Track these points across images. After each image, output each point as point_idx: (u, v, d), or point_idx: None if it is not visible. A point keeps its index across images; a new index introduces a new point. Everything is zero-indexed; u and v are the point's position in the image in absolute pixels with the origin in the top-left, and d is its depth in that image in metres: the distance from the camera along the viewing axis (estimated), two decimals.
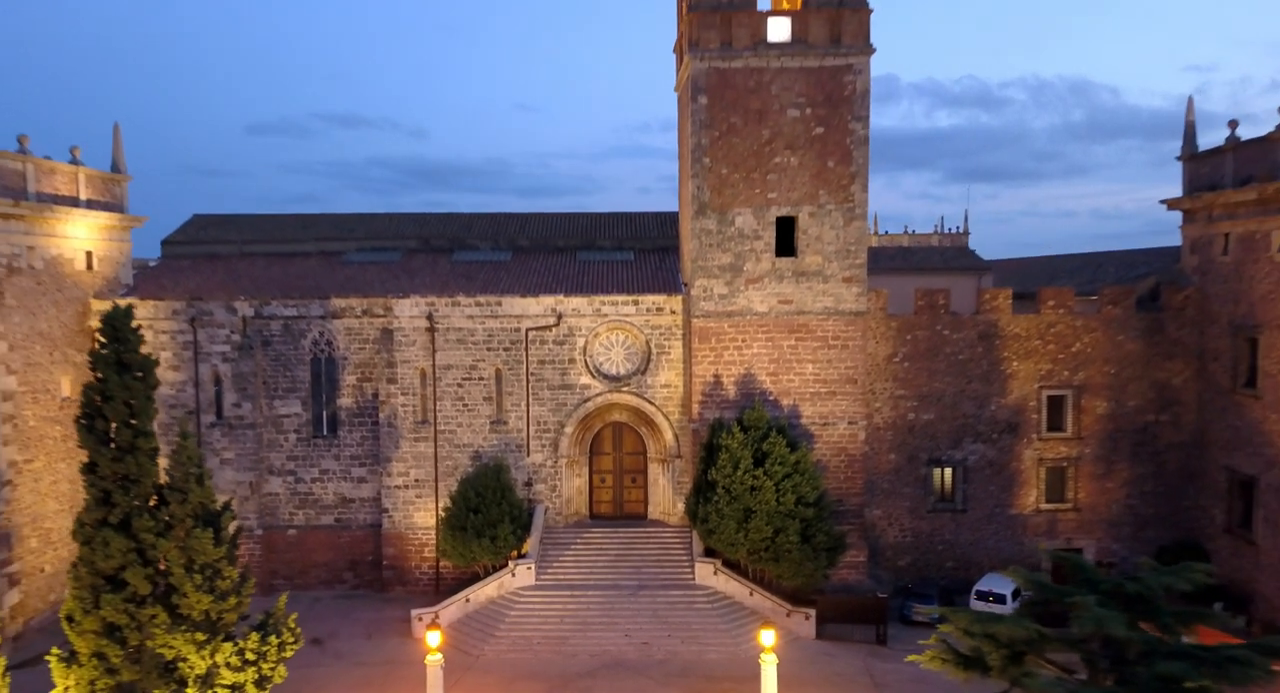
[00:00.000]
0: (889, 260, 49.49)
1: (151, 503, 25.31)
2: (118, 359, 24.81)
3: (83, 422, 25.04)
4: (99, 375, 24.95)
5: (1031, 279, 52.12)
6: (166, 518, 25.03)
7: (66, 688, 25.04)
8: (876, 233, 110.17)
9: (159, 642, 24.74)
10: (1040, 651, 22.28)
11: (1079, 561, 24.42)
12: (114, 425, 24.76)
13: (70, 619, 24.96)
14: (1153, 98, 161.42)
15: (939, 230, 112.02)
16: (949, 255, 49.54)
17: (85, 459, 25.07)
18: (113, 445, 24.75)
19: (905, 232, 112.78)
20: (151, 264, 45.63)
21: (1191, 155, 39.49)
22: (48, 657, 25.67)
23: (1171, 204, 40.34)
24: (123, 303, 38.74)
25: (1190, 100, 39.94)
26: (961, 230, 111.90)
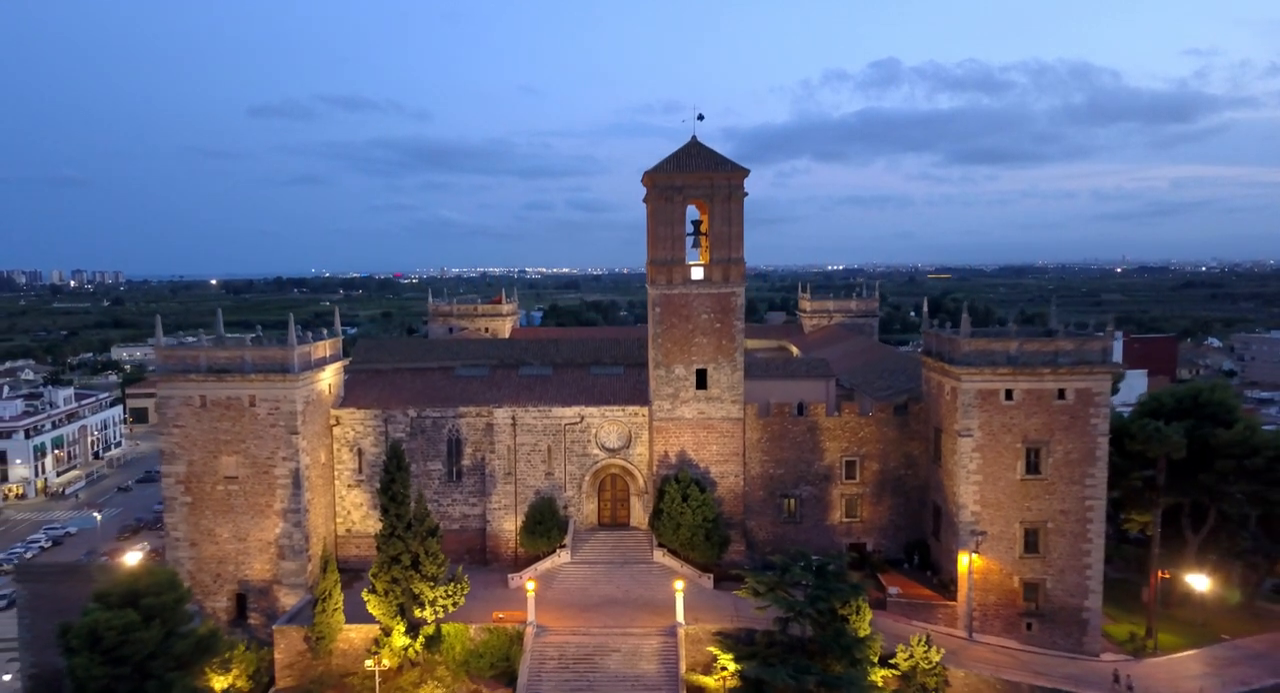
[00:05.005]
0: (776, 370, 79.34)
1: (407, 524, 56.15)
2: (398, 465, 55.60)
3: (381, 489, 55.89)
4: (388, 470, 55.78)
5: (860, 378, 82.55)
6: (415, 531, 55.85)
7: (372, 606, 55.99)
8: (811, 298, 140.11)
9: (414, 586, 55.34)
10: (782, 587, 52.72)
11: (804, 551, 54.90)
12: (394, 492, 55.62)
13: (374, 575, 55.75)
14: (1154, 81, 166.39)
15: (859, 295, 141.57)
16: (810, 365, 79.22)
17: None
18: (394, 500, 55.61)
19: (830, 299, 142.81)
20: (345, 378, 75.84)
21: (926, 331, 69.72)
22: (363, 592, 56.64)
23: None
24: (346, 411, 69.38)
25: (926, 302, 69.95)
26: (875, 295, 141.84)
